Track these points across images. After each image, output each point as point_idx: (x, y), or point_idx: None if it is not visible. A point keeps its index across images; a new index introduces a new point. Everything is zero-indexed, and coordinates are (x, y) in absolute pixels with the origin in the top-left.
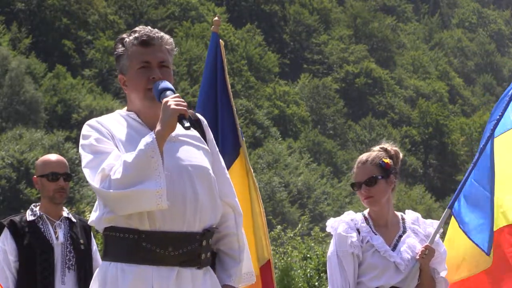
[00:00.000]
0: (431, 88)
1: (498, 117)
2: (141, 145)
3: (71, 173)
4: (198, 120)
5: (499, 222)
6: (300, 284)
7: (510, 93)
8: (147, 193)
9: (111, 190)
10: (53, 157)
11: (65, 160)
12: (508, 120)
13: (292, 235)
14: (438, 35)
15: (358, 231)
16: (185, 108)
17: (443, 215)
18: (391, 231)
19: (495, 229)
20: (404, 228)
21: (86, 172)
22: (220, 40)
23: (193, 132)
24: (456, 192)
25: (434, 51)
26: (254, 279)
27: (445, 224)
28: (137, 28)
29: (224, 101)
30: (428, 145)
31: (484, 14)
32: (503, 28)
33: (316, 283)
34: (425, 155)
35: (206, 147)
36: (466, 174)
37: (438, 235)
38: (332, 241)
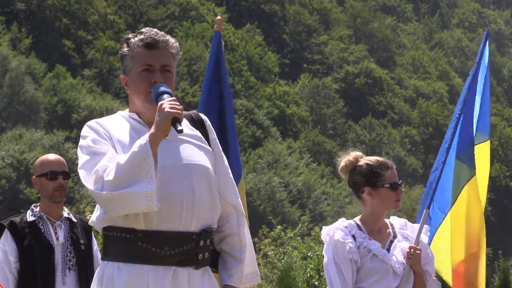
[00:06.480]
0: (431, 88)
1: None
2: (134, 147)
3: (69, 172)
4: (201, 120)
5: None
6: (300, 284)
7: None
8: (137, 195)
9: (104, 192)
10: (51, 156)
11: (63, 159)
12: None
13: (292, 235)
14: (438, 35)
15: (354, 237)
16: (180, 112)
17: (422, 216)
18: (383, 237)
19: None
20: (394, 233)
21: (81, 173)
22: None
23: (195, 131)
24: (431, 193)
25: (434, 51)
26: (259, 279)
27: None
28: (143, 30)
29: (230, 101)
30: (428, 145)
31: (484, 14)
32: (503, 28)
33: (316, 283)
34: (425, 155)
35: (208, 147)
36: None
37: (425, 237)
38: (328, 248)
